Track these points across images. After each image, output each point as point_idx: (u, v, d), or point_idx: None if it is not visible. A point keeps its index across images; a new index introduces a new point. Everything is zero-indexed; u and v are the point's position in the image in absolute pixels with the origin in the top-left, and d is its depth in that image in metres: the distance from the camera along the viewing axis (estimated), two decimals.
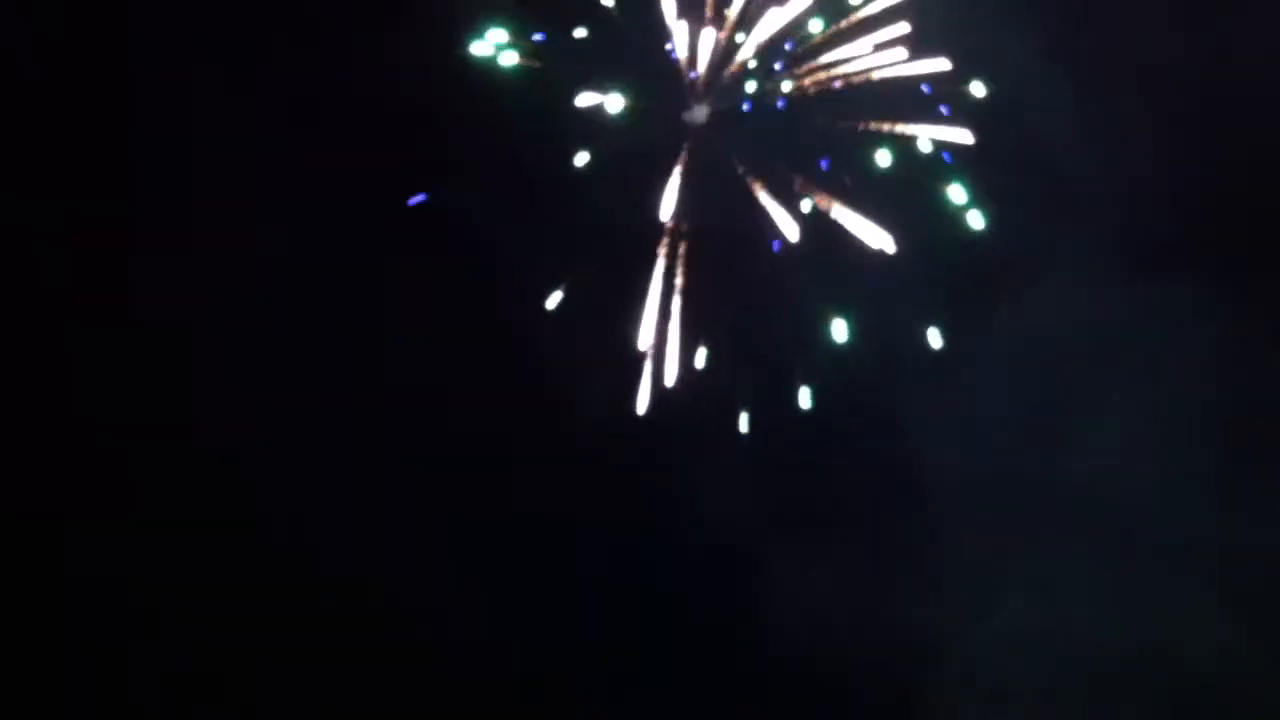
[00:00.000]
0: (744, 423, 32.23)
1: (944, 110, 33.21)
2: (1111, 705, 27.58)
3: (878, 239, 32.98)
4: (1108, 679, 27.67)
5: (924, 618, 28.22)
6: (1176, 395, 28.20)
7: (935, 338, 32.57)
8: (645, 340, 32.23)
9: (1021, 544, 28.13)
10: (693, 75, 33.15)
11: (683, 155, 33.06)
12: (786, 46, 33.47)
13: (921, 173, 33.16)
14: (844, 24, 33.26)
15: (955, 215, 33.18)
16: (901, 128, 33.57)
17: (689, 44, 33.37)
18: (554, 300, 32.18)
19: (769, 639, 28.50)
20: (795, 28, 33.52)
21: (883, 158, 33.06)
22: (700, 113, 33.31)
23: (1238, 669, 26.89)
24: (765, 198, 33.31)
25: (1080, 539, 28.29)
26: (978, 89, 33.66)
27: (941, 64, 33.18)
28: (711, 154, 33.42)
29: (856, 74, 33.63)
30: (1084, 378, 29.47)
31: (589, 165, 32.52)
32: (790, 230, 32.77)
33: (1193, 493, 27.37)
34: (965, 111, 33.54)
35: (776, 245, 32.55)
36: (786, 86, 33.69)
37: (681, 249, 32.95)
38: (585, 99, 32.33)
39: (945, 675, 27.97)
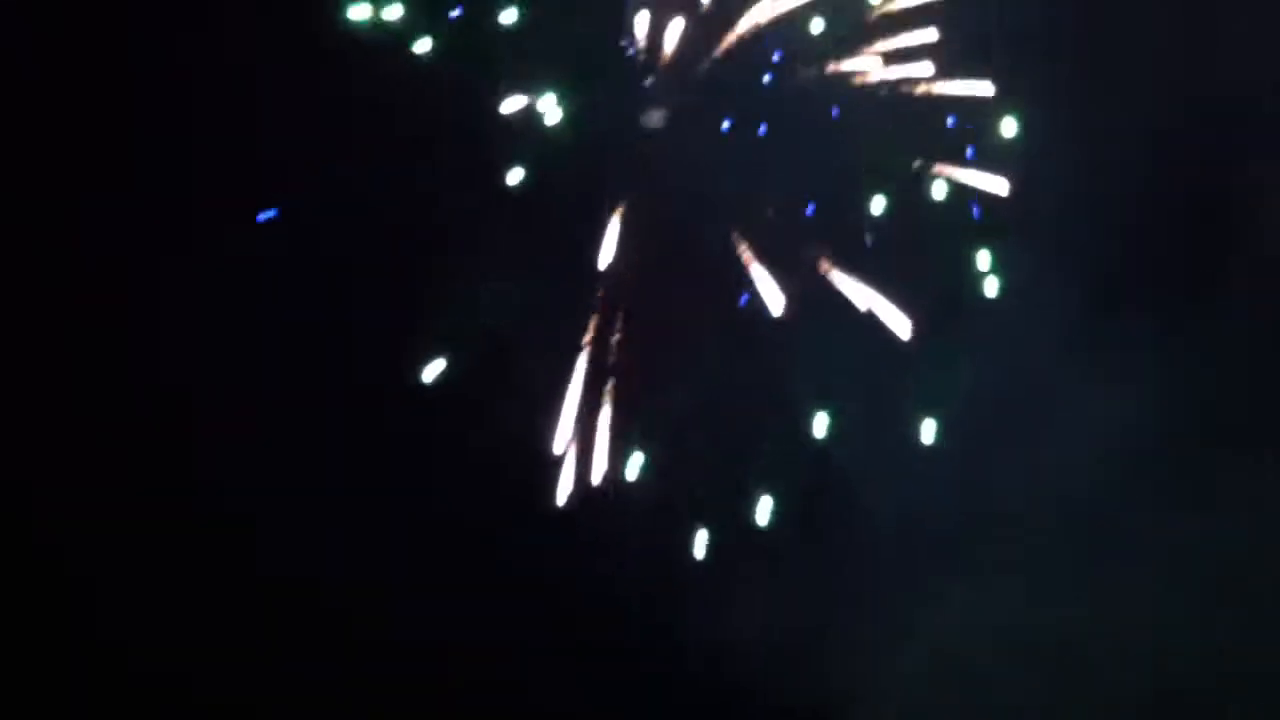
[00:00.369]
0: (700, 545, 25.68)
1: (969, 152, 26.37)
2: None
3: (876, 308, 26.52)
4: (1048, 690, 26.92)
5: (862, 634, 26.77)
6: (1124, 422, 26.74)
7: (929, 431, 26.97)
8: (564, 435, 25.02)
9: (962, 562, 26.82)
10: (648, 81, 25.84)
11: (629, 179, 26.24)
12: (774, 57, 26.17)
13: (935, 225, 26.98)
14: (859, 24, 26.25)
15: (969, 280, 27.13)
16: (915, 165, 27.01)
17: (649, 35, 26.42)
18: (435, 370, 24.76)
19: (701, 661, 26.30)
20: (789, 25, 26.48)
21: (893, 203, 26.82)
22: (656, 117, 26.45)
23: (1175, 683, 26.39)
24: (732, 244, 26.50)
25: (1020, 559, 27.01)
26: (1010, 127, 26.84)
27: (980, 88, 26.24)
28: (667, 180, 26.47)
29: (865, 90, 26.53)
30: (1032, 399, 27.43)
31: (513, 188, 25.43)
32: (767, 292, 26.03)
33: (1138, 513, 26.72)
34: (996, 152, 26.89)
35: (744, 300, 26.19)
36: (771, 100, 26.70)
37: (620, 310, 26.17)
38: (512, 103, 25.21)
39: (884, 691, 26.82)
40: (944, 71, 26.64)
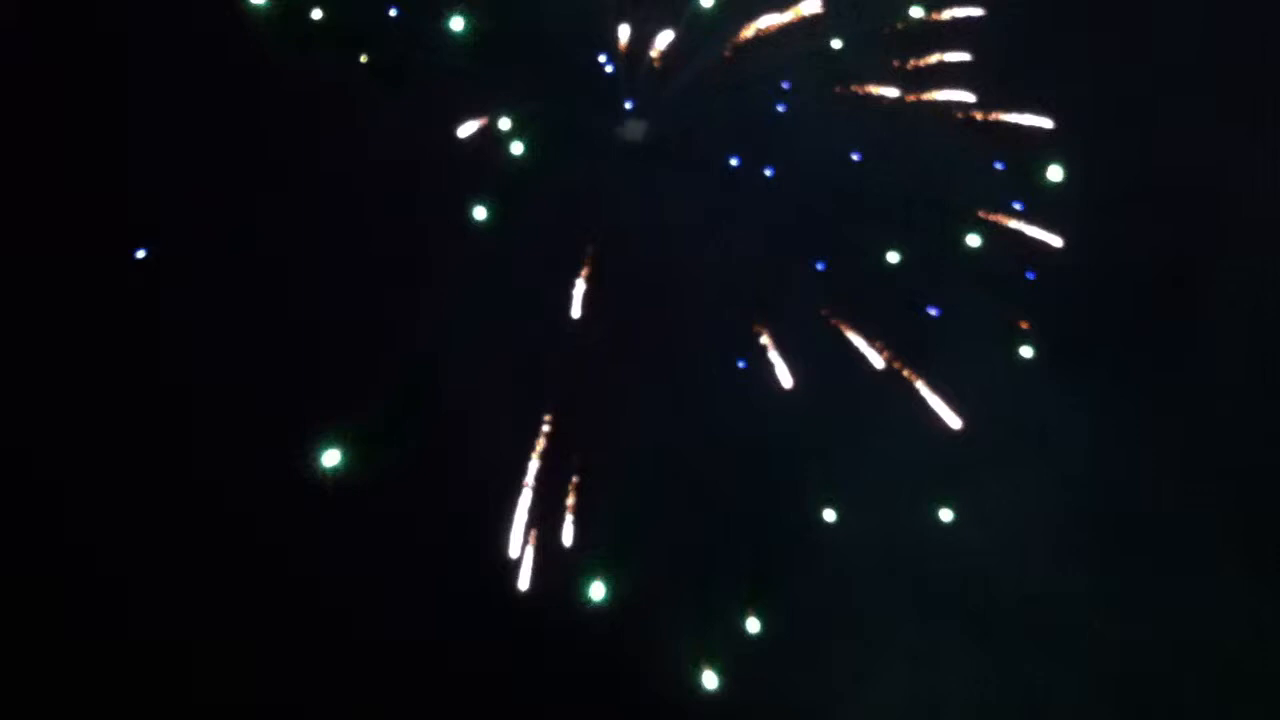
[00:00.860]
0: (710, 680, 22.64)
1: (1018, 205, 23.15)
2: None
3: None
4: None
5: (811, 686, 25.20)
6: (1061, 485, 25.67)
7: (947, 514, 24.54)
8: (517, 535, 21.31)
9: (904, 622, 25.36)
10: (630, 104, 22.49)
11: (605, 223, 22.26)
12: (783, 85, 22.60)
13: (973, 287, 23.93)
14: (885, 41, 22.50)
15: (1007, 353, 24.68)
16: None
17: (628, 44, 22.79)
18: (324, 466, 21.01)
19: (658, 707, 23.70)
20: (803, 38, 22.75)
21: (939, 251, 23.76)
22: (636, 130, 23.06)
23: None
24: (727, 302, 22.81)
25: (959, 620, 25.34)
26: (1055, 173, 23.80)
27: (1038, 121, 23.14)
28: (649, 226, 22.57)
29: (892, 114, 22.93)
30: (973, 463, 25.53)
31: (465, 228, 21.58)
32: (777, 368, 22.62)
33: (1070, 582, 25.73)
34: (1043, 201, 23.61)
35: (742, 364, 22.87)
36: (780, 136, 22.69)
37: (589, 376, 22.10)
38: (467, 128, 21.44)
39: None
40: (983, 102, 22.48)
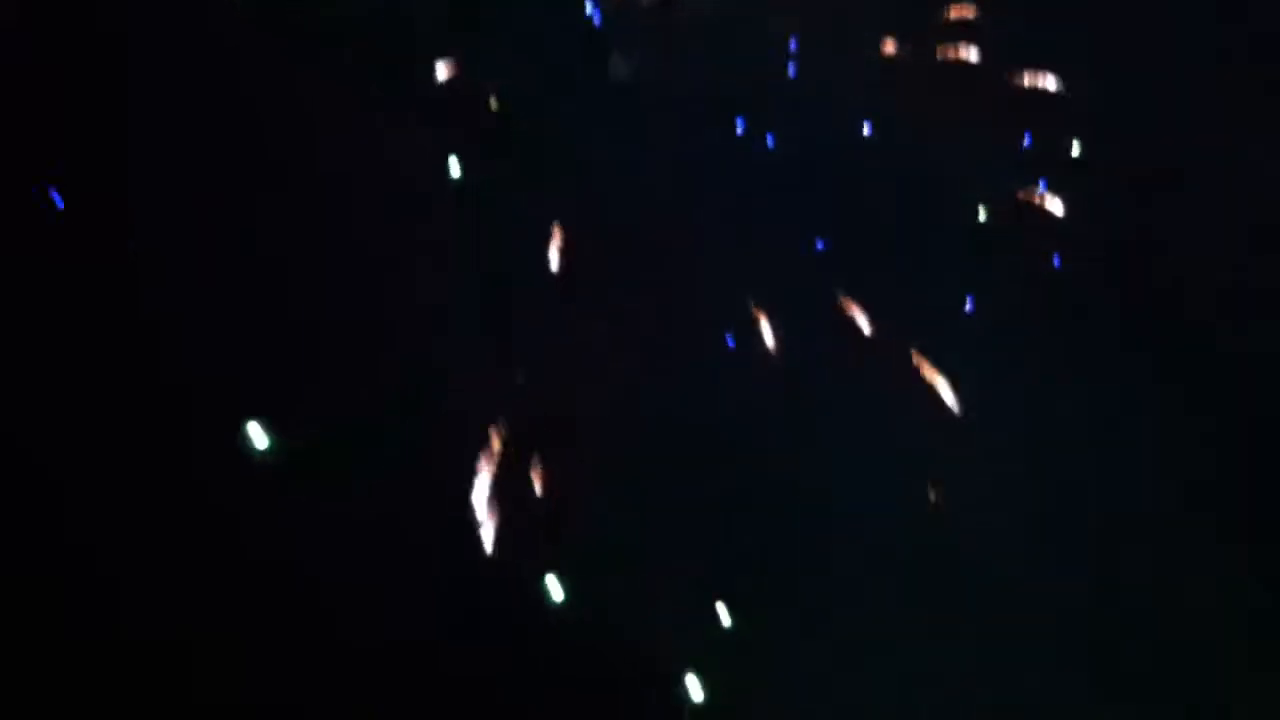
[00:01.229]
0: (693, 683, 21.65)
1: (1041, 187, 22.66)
2: None
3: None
4: None
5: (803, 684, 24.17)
6: (1061, 485, 25.50)
7: (945, 514, 24.08)
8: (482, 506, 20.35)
9: (901, 622, 24.56)
10: (621, 65, 21.45)
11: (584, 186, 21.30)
12: (790, 45, 21.49)
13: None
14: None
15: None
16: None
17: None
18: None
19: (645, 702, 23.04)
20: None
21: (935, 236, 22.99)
22: (624, 69, 22.02)
23: None
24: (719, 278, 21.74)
25: (957, 620, 24.84)
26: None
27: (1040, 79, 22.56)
28: (638, 185, 21.44)
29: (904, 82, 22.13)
30: (972, 461, 25.34)
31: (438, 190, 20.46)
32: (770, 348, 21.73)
33: (1070, 582, 25.54)
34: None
35: (731, 343, 22.08)
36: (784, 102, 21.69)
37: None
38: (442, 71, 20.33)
39: None
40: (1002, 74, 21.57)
